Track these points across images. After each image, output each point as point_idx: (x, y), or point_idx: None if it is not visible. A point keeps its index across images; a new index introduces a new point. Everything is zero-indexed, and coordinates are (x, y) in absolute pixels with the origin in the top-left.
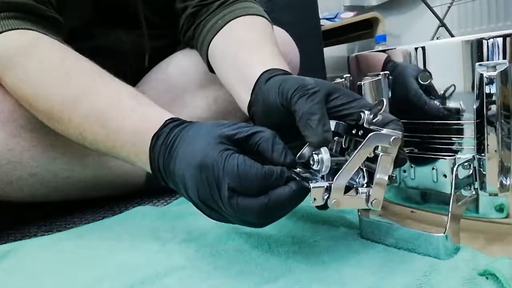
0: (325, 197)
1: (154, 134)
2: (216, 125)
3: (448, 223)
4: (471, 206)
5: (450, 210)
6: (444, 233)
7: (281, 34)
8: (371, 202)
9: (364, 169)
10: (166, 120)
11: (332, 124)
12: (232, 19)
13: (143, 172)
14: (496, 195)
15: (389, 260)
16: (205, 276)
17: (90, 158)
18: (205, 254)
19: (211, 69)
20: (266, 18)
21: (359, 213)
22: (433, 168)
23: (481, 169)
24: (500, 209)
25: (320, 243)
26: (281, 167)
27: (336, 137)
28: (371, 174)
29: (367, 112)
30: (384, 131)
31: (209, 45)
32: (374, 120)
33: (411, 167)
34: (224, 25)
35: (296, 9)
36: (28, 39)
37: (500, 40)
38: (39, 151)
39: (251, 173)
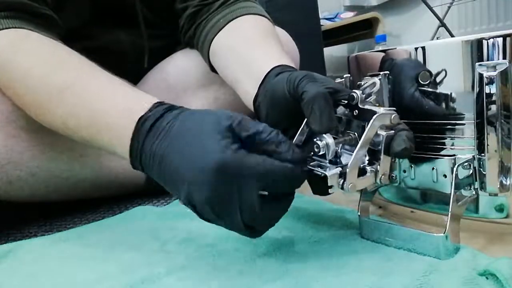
0: (341, 183)
1: (141, 117)
2: (217, 117)
3: (448, 223)
4: (471, 206)
5: (450, 210)
6: (444, 233)
7: (281, 34)
8: (380, 178)
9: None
10: (155, 103)
11: None
12: (234, 18)
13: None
14: (496, 195)
15: (389, 260)
16: (205, 276)
17: (90, 158)
18: (205, 254)
19: (212, 68)
20: (268, 18)
21: (359, 213)
22: (433, 168)
23: (481, 169)
24: (500, 209)
25: (320, 243)
26: (299, 166)
27: None
28: (371, 151)
29: (359, 92)
30: (382, 110)
31: (211, 43)
32: (367, 100)
33: (411, 167)
34: (226, 23)
35: (296, 9)
36: (16, 36)
37: (500, 40)
38: (39, 151)
39: (278, 169)
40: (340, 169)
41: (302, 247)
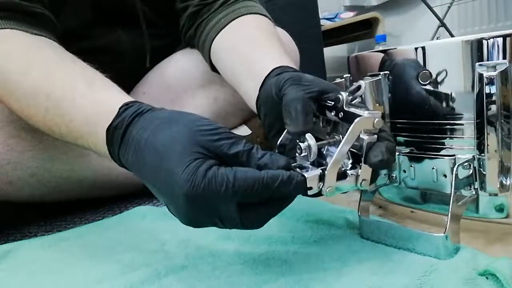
0: (320, 186)
1: (109, 127)
2: (187, 135)
3: (448, 223)
4: (471, 206)
5: (450, 210)
6: (444, 233)
7: (281, 34)
8: (360, 183)
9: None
10: (120, 108)
11: None
12: (236, 18)
13: None
14: (496, 195)
15: (389, 260)
16: (205, 276)
17: (90, 158)
18: (205, 254)
19: (212, 67)
20: (269, 18)
21: (359, 213)
22: (433, 168)
23: (481, 169)
24: (500, 209)
25: (320, 243)
26: (281, 171)
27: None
28: (354, 154)
29: (344, 94)
30: (366, 114)
31: (212, 42)
32: (352, 102)
33: (411, 167)
34: (228, 23)
35: (296, 9)
36: None
37: (500, 40)
38: (39, 151)
39: (250, 180)
40: (320, 171)
41: (302, 247)
